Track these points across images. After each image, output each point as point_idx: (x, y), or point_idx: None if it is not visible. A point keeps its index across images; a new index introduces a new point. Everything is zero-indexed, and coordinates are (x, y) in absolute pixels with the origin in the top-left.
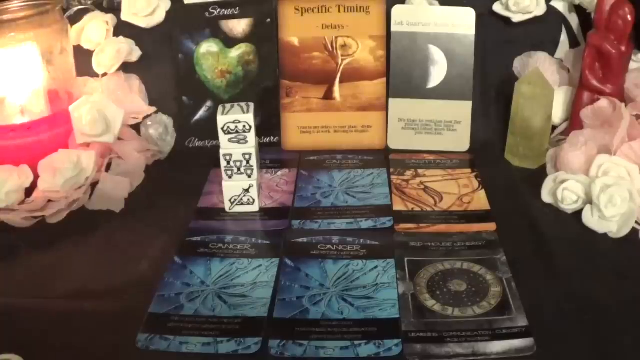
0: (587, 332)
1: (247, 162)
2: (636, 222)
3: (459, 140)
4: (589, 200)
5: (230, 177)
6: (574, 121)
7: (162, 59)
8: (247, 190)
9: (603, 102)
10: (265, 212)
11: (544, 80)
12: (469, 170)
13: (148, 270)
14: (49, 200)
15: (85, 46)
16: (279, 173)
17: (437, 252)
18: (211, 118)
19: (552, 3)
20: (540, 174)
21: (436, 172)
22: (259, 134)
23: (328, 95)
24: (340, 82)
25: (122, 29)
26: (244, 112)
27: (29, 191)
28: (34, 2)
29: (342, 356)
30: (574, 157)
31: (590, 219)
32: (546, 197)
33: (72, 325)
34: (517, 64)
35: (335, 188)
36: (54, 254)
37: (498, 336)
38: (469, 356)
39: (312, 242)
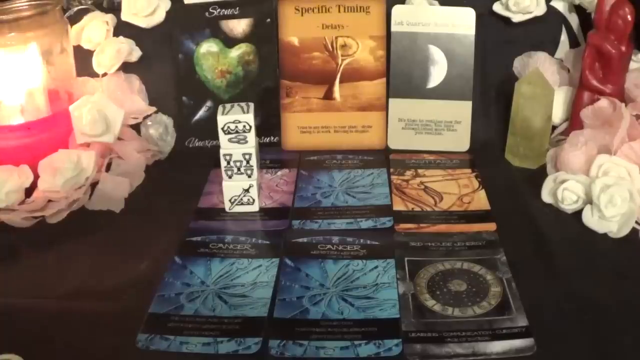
0: (587, 332)
1: (247, 162)
2: (636, 222)
3: (459, 140)
4: (589, 200)
5: (230, 177)
6: (574, 121)
7: (162, 59)
8: (247, 190)
9: (603, 102)
10: (265, 212)
11: (544, 80)
12: (469, 170)
13: (148, 270)
14: (49, 200)
15: (85, 46)
16: (279, 173)
17: (437, 252)
18: (211, 118)
19: (552, 3)
20: (540, 174)
21: (436, 172)
22: (259, 134)
23: (328, 95)
24: (340, 82)
25: (122, 29)
26: (244, 112)
27: (29, 191)
28: (34, 2)
29: (342, 356)
30: (574, 157)
31: (590, 219)
32: (546, 197)
33: (72, 325)
34: (517, 64)
35: (335, 188)
36: (54, 254)
37: (498, 336)
38: (469, 356)
39: (312, 242)
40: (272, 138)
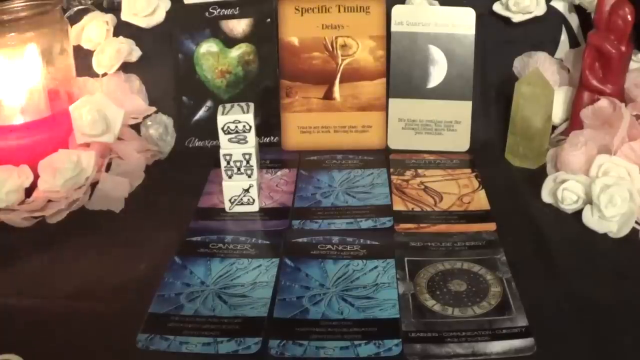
0: (587, 332)
1: (247, 162)
2: (636, 222)
3: (459, 140)
4: (589, 200)
5: (230, 177)
6: (574, 121)
7: (162, 59)
8: (247, 190)
9: (603, 102)
10: (265, 212)
11: (544, 80)
12: (469, 170)
13: (148, 270)
14: (49, 200)
15: (85, 46)
16: (279, 173)
17: (437, 252)
18: (211, 118)
19: (552, 3)
20: (540, 174)
21: (436, 172)
22: (259, 134)
23: (328, 95)
24: (340, 82)
25: (122, 29)
26: (244, 112)
27: (29, 191)
28: (34, 2)
29: (342, 356)
30: (574, 157)
31: (590, 219)
32: (546, 197)
33: (72, 325)
34: (517, 64)
35: (335, 188)
36: (54, 254)
37: (498, 336)
38: (469, 356)
39: (312, 242)
40: (272, 138)
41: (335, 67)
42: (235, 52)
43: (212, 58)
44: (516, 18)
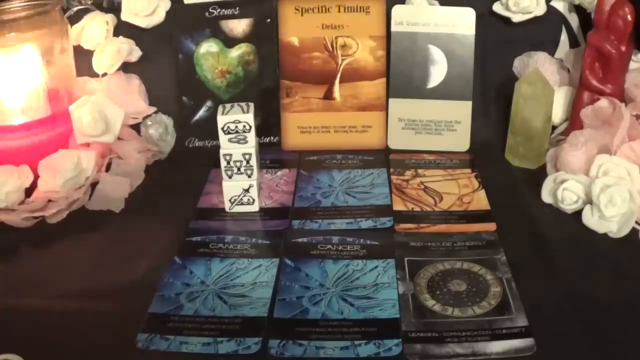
0: (587, 332)
1: (247, 162)
2: (636, 222)
3: (459, 140)
4: (589, 200)
5: (230, 177)
6: (574, 121)
7: (162, 59)
8: (247, 190)
9: (603, 102)
10: (265, 212)
11: (544, 80)
12: (469, 170)
13: (148, 270)
14: (49, 200)
15: (85, 46)
16: (279, 173)
17: (437, 252)
18: (211, 118)
19: (552, 3)
20: (540, 174)
21: (436, 172)
22: (259, 134)
23: (328, 95)
24: (340, 82)
25: (122, 29)
26: (244, 112)
27: (29, 191)
28: (34, 2)
29: (342, 356)
30: (574, 157)
31: (590, 219)
32: (546, 197)
33: (72, 325)
34: (517, 64)
35: (335, 188)
36: (54, 254)
37: (498, 336)
38: (469, 356)
39: (312, 242)
40: (272, 138)
41: (335, 67)
42: (235, 52)
43: (212, 58)
44: (516, 18)
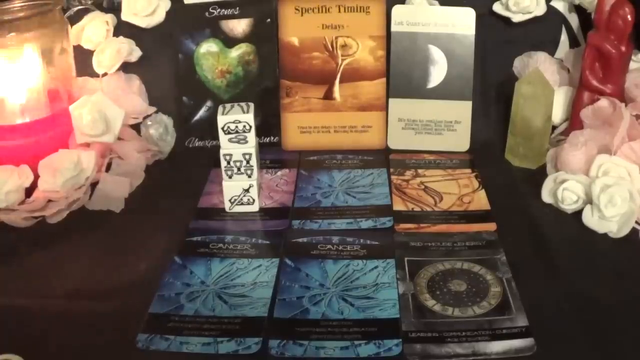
0: (587, 332)
1: (247, 162)
2: (636, 222)
3: (459, 140)
4: (589, 200)
5: (230, 177)
6: (574, 121)
7: (162, 59)
8: (247, 190)
9: (603, 102)
10: (265, 212)
11: (544, 80)
12: (469, 170)
13: (148, 270)
14: (49, 200)
15: (85, 46)
16: (279, 173)
17: (437, 252)
18: (211, 118)
19: (552, 3)
20: (540, 174)
21: (436, 172)
22: (259, 134)
23: (328, 95)
24: (340, 82)
25: (122, 29)
26: (244, 112)
27: (29, 191)
28: (34, 2)
29: (342, 356)
30: (574, 157)
31: (590, 219)
32: (546, 197)
33: (72, 325)
34: (517, 64)
35: (335, 188)
36: (54, 254)
37: (498, 336)
38: (469, 356)
39: (312, 242)
40: (272, 138)
41: (335, 67)
42: (235, 52)
43: (212, 58)
44: (516, 18)
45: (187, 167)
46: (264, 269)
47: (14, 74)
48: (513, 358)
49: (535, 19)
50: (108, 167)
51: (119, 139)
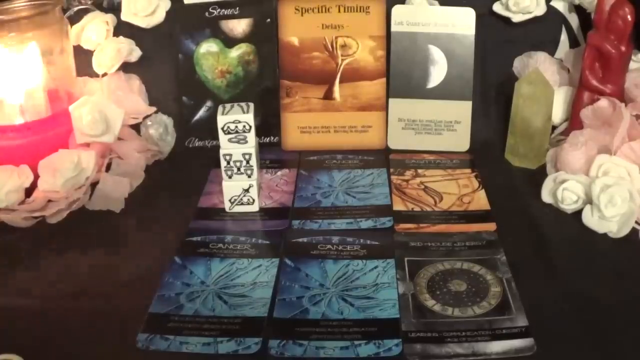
0: (587, 332)
1: (247, 162)
2: (636, 222)
3: (459, 140)
4: (589, 200)
5: (230, 177)
6: (574, 121)
7: (162, 59)
8: (247, 190)
9: (603, 102)
10: (265, 212)
11: (544, 80)
12: (469, 170)
13: (148, 270)
14: (49, 200)
15: (85, 46)
16: (279, 173)
17: (437, 252)
18: (211, 118)
19: (552, 3)
20: (540, 174)
21: (436, 172)
22: (259, 134)
23: (328, 95)
24: (340, 82)
25: (122, 29)
26: (244, 112)
27: (29, 191)
28: (34, 2)
29: (342, 356)
30: (574, 157)
31: (590, 219)
32: (546, 197)
33: (72, 325)
34: (517, 64)
35: (335, 188)
36: (54, 254)
37: (498, 336)
38: (469, 356)
39: (312, 242)
40: (272, 138)
41: (335, 67)
42: (235, 52)
43: (212, 58)
44: (516, 18)
45: (187, 167)
46: (264, 269)
47: (14, 74)
48: (513, 358)
49: (535, 19)
50: (108, 167)
51: (119, 139)
